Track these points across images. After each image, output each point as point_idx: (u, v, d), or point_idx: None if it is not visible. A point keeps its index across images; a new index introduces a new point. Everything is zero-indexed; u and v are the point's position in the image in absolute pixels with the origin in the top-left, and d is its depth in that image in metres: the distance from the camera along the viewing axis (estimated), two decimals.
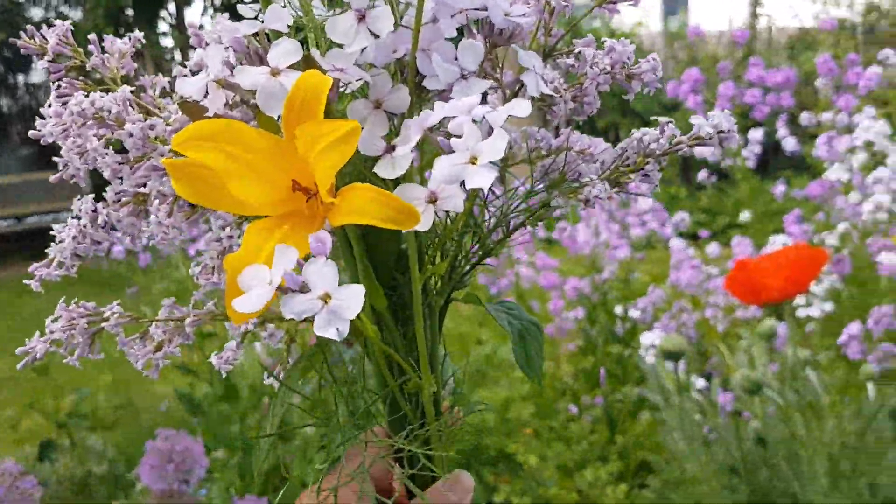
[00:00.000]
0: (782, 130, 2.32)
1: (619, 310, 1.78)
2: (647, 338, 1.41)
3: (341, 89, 0.32)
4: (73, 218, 0.36)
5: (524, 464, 1.22)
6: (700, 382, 1.41)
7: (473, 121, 0.28)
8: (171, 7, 6.59)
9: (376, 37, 0.30)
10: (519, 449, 1.23)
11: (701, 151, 2.59)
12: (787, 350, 1.22)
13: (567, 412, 1.68)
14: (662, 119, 0.38)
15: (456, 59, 0.31)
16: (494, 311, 0.39)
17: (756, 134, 2.22)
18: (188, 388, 1.46)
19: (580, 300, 1.71)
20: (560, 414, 1.69)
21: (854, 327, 0.97)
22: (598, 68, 0.35)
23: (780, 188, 2.04)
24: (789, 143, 2.29)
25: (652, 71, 0.36)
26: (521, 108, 0.29)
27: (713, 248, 2.84)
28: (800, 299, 1.56)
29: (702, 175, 2.83)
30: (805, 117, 2.23)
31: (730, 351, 2.00)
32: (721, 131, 0.36)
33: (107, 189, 0.35)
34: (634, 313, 2.18)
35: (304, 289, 0.26)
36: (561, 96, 0.35)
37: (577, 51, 0.35)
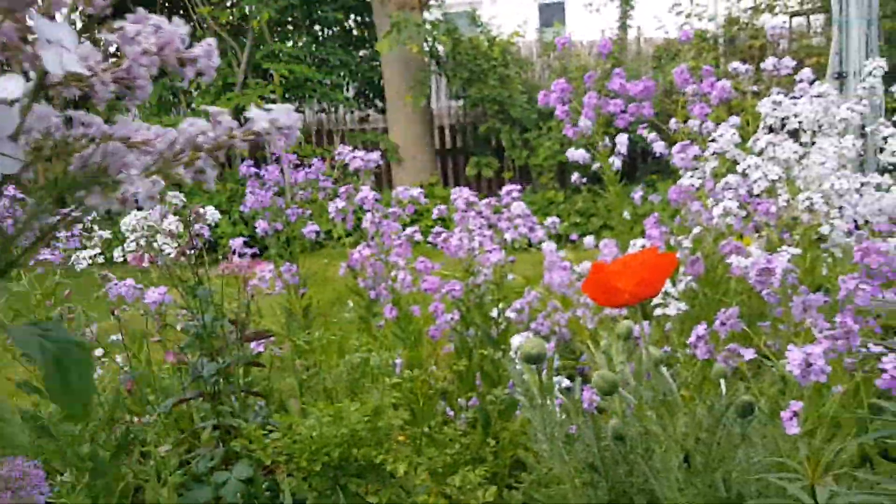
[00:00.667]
0: (651, 136, 2.44)
1: (494, 312, 1.81)
2: (516, 340, 1.44)
3: None
4: None
5: (394, 472, 1.21)
6: (565, 382, 1.45)
7: None
8: None
9: None
10: (387, 458, 1.22)
11: (573, 156, 2.66)
12: (642, 349, 1.28)
13: (444, 415, 1.69)
14: (213, 109, 0.35)
15: None
16: (21, 336, 0.34)
17: (622, 139, 2.32)
18: (33, 407, 1.36)
19: (455, 303, 1.73)
20: (436, 417, 1.69)
21: (701, 329, 1.03)
22: (139, 48, 0.32)
23: (638, 194, 2.14)
24: (658, 146, 2.41)
25: (206, 57, 0.34)
26: (10, 86, 0.25)
27: (588, 242, 2.96)
28: (659, 299, 1.65)
29: (574, 178, 2.93)
30: (672, 124, 2.36)
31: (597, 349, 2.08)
32: (281, 127, 0.35)
33: None
34: (511, 314, 2.23)
35: None
36: (96, 75, 0.32)
37: (120, 26, 0.32)
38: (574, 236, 2.96)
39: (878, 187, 1.82)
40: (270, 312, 2.69)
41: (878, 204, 1.57)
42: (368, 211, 1.67)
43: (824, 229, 1.59)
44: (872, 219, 1.61)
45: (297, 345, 1.57)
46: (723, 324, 1.05)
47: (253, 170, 2.32)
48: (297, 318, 2.30)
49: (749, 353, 0.98)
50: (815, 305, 1.02)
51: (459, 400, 1.60)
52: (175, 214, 1.96)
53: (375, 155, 1.85)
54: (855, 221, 1.54)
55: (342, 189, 1.72)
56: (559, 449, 1.11)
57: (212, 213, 2.14)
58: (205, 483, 1.36)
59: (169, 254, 1.81)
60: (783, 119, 1.50)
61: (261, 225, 2.45)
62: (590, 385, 2.10)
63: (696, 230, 1.92)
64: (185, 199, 2.26)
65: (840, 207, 1.57)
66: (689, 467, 1.10)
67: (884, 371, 0.93)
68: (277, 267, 2.20)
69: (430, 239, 1.75)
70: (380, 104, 6.87)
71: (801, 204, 1.38)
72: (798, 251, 1.36)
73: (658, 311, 1.50)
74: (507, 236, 1.88)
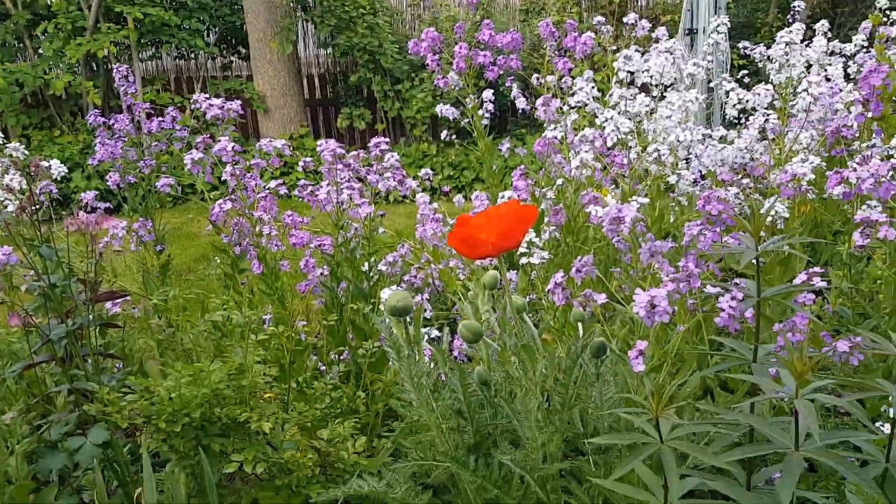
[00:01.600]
0: (514, 91, 2.48)
1: (366, 266, 1.80)
2: (386, 293, 1.45)
3: None
4: None
5: (259, 430, 1.20)
6: (434, 332, 1.48)
7: None
8: None
9: None
10: (252, 416, 1.20)
11: (443, 111, 2.65)
12: (506, 298, 1.33)
13: (315, 370, 1.68)
14: None
15: None
16: None
17: (487, 94, 2.34)
18: None
19: (325, 258, 1.70)
20: (307, 373, 1.68)
21: (558, 276, 1.08)
22: None
23: (505, 146, 2.19)
24: (521, 102, 2.45)
25: None
26: None
27: (459, 200, 3.00)
28: (525, 248, 1.70)
29: (444, 135, 2.95)
30: (535, 79, 2.40)
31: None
32: None
33: None
34: (383, 267, 2.23)
35: None
36: None
37: None
38: (447, 189, 2.99)
39: (722, 139, 1.96)
40: (128, 271, 2.55)
41: (721, 155, 1.68)
42: (227, 163, 1.60)
43: (672, 179, 1.69)
44: (716, 169, 1.73)
45: (155, 304, 1.50)
46: (578, 271, 1.10)
47: (101, 119, 2.16)
48: (154, 277, 2.20)
49: (601, 298, 1.04)
50: (660, 251, 1.09)
51: (331, 354, 1.59)
52: (18, 169, 1.80)
53: (235, 104, 1.77)
54: (700, 172, 1.64)
55: (199, 139, 1.64)
56: (426, 397, 1.14)
57: (57, 167, 1.98)
58: (58, 450, 1.29)
59: (11, 211, 1.66)
60: (632, 73, 1.56)
61: (112, 178, 2.30)
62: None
63: (558, 182, 1.98)
64: (26, 152, 2.08)
65: (686, 159, 1.67)
66: (549, 407, 1.16)
67: (721, 310, 1.01)
68: (130, 223, 2.07)
69: (296, 192, 1.71)
70: (243, 51, 6.55)
71: (650, 156, 1.46)
72: (646, 200, 1.44)
73: (524, 260, 1.55)
74: (380, 187, 1.86)
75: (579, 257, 1.14)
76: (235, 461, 1.22)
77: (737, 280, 1.14)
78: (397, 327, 1.12)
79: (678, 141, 1.43)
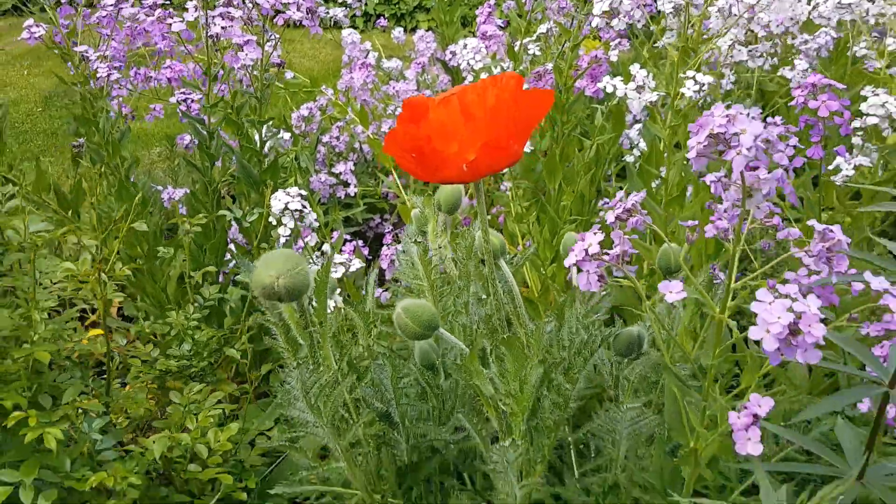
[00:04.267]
0: None
1: (257, 137, 1.22)
2: (279, 199, 0.90)
3: None
4: None
5: (38, 442, 0.69)
6: (355, 263, 0.97)
7: None
8: None
9: None
10: (29, 414, 0.69)
11: None
12: (477, 229, 0.82)
13: (177, 296, 1.16)
14: None
15: None
16: None
17: None
18: None
19: (188, 119, 1.12)
20: (169, 299, 1.16)
21: (592, 240, 0.56)
22: None
23: None
24: None
25: None
26: None
27: (399, 34, 2.36)
28: None
29: None
30: None
31: (402, 176, 1.60)
32: None
33: None
34: (286, 136, 1.65)
35: None
36: None
37: None
38: (383, 20, 2.34)
39: None
40: None
41: (795, 10, 1.15)
42: None
43: (722, 43, 1.15)
44: (777, 29, 1.20)
45: None
46: (619, 219, 0.59)
47: None
48: None
49: (676, 290, 0.54)
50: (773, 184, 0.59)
51: (195, 275, 1.06)
52: None
53: None
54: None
55: None
56: (331, 415, 0.65)
57: None
58: None
59: None
60: None
61: None
62: (392, 235, 1.62)
63: (542, 27, 1.41)
64: None
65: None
66: (534, 425, 0.70)
67: None
68: None
69: (141, 15, 1.08)
70: None
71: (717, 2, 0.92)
72: (710, 79, 0.91)
73: None
74: (279, 21, 1.25)
75: (621, 192, 0.62)
76: (7, 484, 0.72)
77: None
78: (287, 310, 0.61)
79: None
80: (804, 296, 0.49)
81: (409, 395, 0.78)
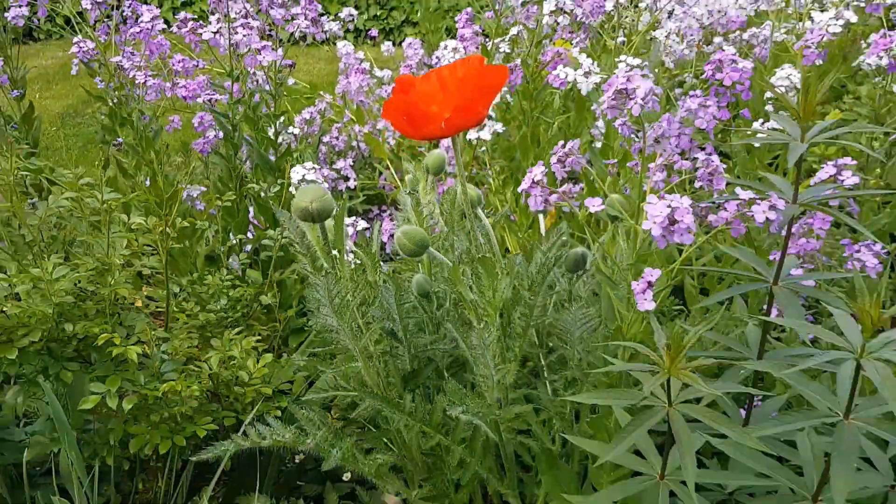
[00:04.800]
0: None
1: (272, 131, 1.44)
2: (297, 172, 1.11)
3: None
4: None
5: (123, 355, 0.89)
6: (361, 223, 1.18)
7: None
8: None
9: None
10: (115, 337, 0.89)
11: None
12: (458, 186, 1.03)
13: (208, 262, 1.37)
14: None
15: None
16: None
17: None
18: None
19: (214, 115, 1.33)
20: (198, 266, 1.36)
21: (537, 170, 0.77)
22: None
23: None
24: None
25: None
26: None
27: (388, 48, 2.57)
28: None
29: None
30: None
31: (397, 170, 1.81)
32: None
33: None
34: (296, 128, 1.87)
35: None
36: None
37: None
38: (374, 32, 2.55)
39: None
40: None
41: (719, 3, 1.37)
42: None
43: (657, 34, 1.37)
44: (707, 20, 1.41)
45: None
46: (560, 161, 0.80)
47: None
48: (11, 131, 1.77)
49: (595, 204, 0.75)
50: (671, 135, 0.80)
51: (229, 242, 1.27)
52: None
53: None
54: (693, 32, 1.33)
55: None
56: (351, 321, 0.85)
57: None
58: None
59: None
60: None
61: None
62: (391, 219, 1.84)
63: (513, 30, 1.63)
64: None
65: (671, 11, 1.35)
66: (503, 324, 0.91)
67: (754, 220, 0.74)
68: None
69: (174, 29, 1.30)
70: None
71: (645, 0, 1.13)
72: (638, 62, 1.13)
73: (472, 135, 1.23)
74: (290, 29, 1.46)
75: (561, 142, 0.83)
76: (96, 394, 0.92)
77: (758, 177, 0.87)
78: (311, 232, 0.81)
79: None
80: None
81: (408, 321, 0.98)
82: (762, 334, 0.86)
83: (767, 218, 0.73)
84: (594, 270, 0.92)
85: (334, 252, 0.85)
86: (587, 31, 1.55)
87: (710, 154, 0.77)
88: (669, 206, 0.67)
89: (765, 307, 0.97)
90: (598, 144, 1.66)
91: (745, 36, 1.47)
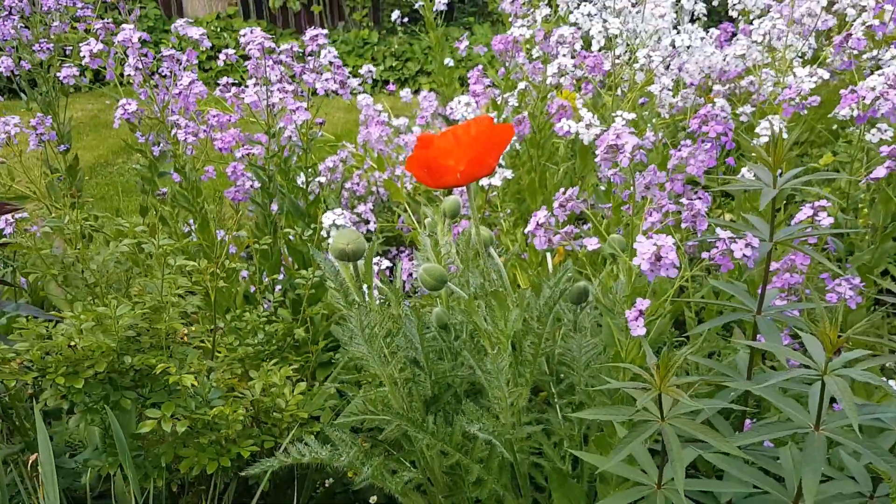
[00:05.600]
0: None
1: (301, 179, 1.57)
2: (328, 218, 1.24)
3: None
4: None
5: (179, 383, 1.01)
6: (384, 263, 1.30)
7: None
8: None
9: None
10: (170, 366, 1.01)
11: None
12: (472, 228, 1.14)
13: (246, 302, 1.49)
14: None
15: None
16: None
17: None
18: None
19: (254, 169, 1.47)
20: (237, 304, 1.48)
21: (541, 214, 0.89)
22: None
23: (463, 43, 1.92)
24: None
25: None
26: None
27: (406, 95, 2.73)
28: None
29: (395, 15, 2.65)
30: None
31: (414, 213, 1.93)
32: None
33: None
34: (321, 179, 2.00)
35: None
36: None
37: None
38: (391, 85, 2.71)
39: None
40: (30, 174, 2.25)
41: (709, 61, 1.49)
42: (131, 56, 1.32)
43: (653, 89, 1.49)
44: (698, 77, 1.54)
45: (49, 228, 1.26)
46: (561, 206, 0.92)
47: None
48: (56, 182, 1.92)
49: (593, 243, 0.87)
50: (658, 182, 0.91)
51: (264, 282, 1.39)
52: None
53: None
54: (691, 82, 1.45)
55: (97, 25, 1.34)
56: (379, 349, 0.96)
57: None
58: None
59: None
60: None
61: (3, 63, 1.96)
62: (409, 259, 1.96)
63: (521, 85, 1.77)
64: None
65: (667, 65, 1.48)
66: (515, 353, 1.01)
67: (733, 256, 0.85)
68: (28, 117, 1.77)
69: (217, 92, 1.44)
70: None
71: (637, 62, 1.26)
72: (633, 116, 1.25)
73: (484, 182, 1.36)
74: (318, 87, 1.60)
75: (562, 189, 0.95)
76: (152, 418, 1.03)
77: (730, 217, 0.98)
78: (344, 270, 0.93)
79: (675, 45, 1.23)
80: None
81: (429, 349, 1.09)
82: (750, 359, 0.96)
83: (745, 254, 0.84)
84: (596, 303, 1.03)
85: (364, 287, 0.96)
86: (590, 85, 1.68)
87: (698, 198, 0.88)
88: (655, 245, 0.78)
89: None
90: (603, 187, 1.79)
91: (744, 83, 1.60)
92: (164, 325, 1.04)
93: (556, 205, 0.92)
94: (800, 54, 1.36)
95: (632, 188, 0.89)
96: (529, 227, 0.88)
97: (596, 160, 0.86)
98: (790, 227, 0.97)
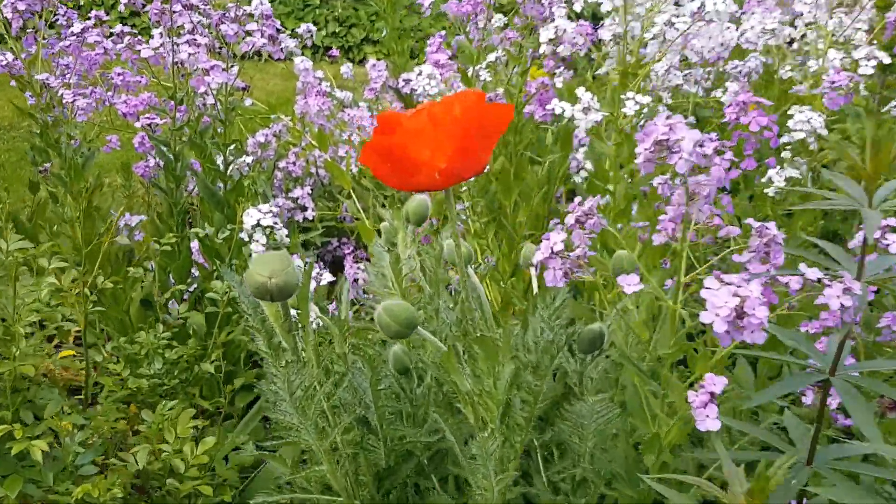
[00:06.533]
0: None
1: (220, 160, 1.25)
2: (250, 216, 0.93)
3: None
4: None
5: (24, 453, 0.70)
6: (326, 276, 1.00)
7: None
8: None
9: None
10: (15, 428, 0.70)
11: None
12: (443, 239, 0.86)
13: (144, 317, 1.17)
14: None
15: None
16: None
17: None
18: None
19: (154, 142, 1.14)
20: (135, 322, 1.17)
21: (557, 239, 0.61)
22: None
23: (428, 0, 1.62)
24: None
25: None
26: None
27: (347, 70, 2.40)
28: None
29: None
30: None
31: (360, 200, 1.63)
32: None
33: None
34: (248, 159, 1.68)
35: None
36: None
37: None
38: (334, 51, 2.38)
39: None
40: None
41: (723, 37, 1.24)
42: None
43: (658, 67, 1.24)
44: (708, 55, 1.29)
45: None
46: (579, 223, 0.65)
47: None
48: None
49: (633, 282, 0.60)
50: (708, 187, 0.65)
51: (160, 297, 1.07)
52: None
53: None
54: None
55: None
56: (315, 417, 0.68)
57: None
58: None
59: None
60: None
61: None
62: (354, 258, 1.66)
63: (492, 56, 1.48)
64: None
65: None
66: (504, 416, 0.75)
67: (826, 306, 0.60)
68: None
69: (109, 43, 1.11)
70: None
71: (657, 26, 1.00)
72: (648, 100, 0.99)
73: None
74: (243, 47, 1.28)
75: (578, 199, 0.68)
76: None
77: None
78: (270, 311, 0.64)
79: (700, 9, 0.98)
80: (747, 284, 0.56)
81: (386, 399, 0.81)
82: (816, 429, 0.71)
83: (842, 304, 0.59)
84: (611, 351, 0.77)
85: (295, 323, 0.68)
86: (569, 64, 1.42)
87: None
88: (737, 296, 0.52)
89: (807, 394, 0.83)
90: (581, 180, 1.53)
91: (743, 68, 1.36)
92: (10, 367, 0.73)
93: (570, 219, 0.65)
94: (838, 34, 1.12)
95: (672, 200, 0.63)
96: (540, 257, 0.61)
97: (637, 161, 0.59)
98: (876, 260, 0.73)
